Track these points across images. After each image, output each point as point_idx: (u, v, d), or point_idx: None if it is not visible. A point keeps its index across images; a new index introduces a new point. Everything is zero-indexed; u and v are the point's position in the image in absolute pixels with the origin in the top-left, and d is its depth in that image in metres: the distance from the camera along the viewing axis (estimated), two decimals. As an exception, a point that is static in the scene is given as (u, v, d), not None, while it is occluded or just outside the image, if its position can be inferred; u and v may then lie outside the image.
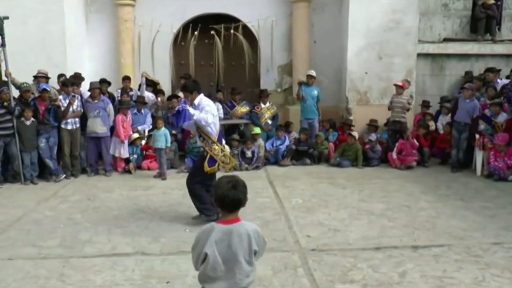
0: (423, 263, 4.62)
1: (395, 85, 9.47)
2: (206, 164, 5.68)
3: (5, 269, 4.54)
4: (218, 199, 2.71)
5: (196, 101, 5.75)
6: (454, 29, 11.74)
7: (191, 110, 5.68)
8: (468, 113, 8.71)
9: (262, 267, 4.15)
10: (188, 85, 5.99)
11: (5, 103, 7.91)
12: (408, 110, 9.41)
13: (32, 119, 8.12)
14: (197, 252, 2.73)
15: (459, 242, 5.19)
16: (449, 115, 9.69)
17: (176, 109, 5.88)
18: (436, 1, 11.61)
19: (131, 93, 9.93)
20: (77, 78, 9.14)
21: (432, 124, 10.21)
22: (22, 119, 8.03)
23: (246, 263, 2.70)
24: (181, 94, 9.97)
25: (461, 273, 4.38)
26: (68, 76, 9.14)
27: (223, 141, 6.02)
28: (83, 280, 4.30)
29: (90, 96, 8.75)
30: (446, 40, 11.57)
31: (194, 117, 5.63)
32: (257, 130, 9.62)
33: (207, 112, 5.63)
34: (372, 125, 9.85)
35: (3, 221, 6.01)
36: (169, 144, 8.69)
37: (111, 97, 9.54)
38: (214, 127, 5.73)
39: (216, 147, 5.75)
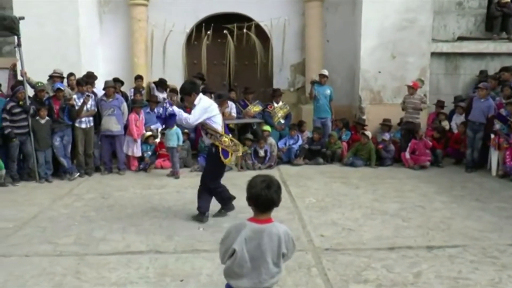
0: (438, 264, 4.58)
1: (407, 85, 9.41)
2: (222, 157, 5.73)
3: (22, 265, 4.60)
4: (251, 198, 2.70)
5: (196, 102, 5.65)
6: (468, 27, 11.64)
7: (176, 109, 5.63)
8: (483, 112, 8.62)
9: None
10: (185, 87, 5.77)
11: (21, 102, 8.01)
12: (421, 110, 9.33)
13: (47, 118, 8.21)
14: (226, 246, 2.74)
15: (474, 243, 5.14)
16: (464, 114, 9.61)
17: (165, 113, 5.72)
18: (450, 0, 11.50)
19: (143, 92, 9.99)
20: (90, 77, 9.21)
21: (446, 124, 10.13)
22: (37, 118, 8.12)
23: (273, 264, 2.71)
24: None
25: (476, 274, 4.34)
26: (80, 76, 9.22)
27: (230, 134, 6.02)
28: (98, 277, 4.33)
29: (105, 94, 8.81)
30: (461, 38, 11.47)
31: (177, 117, 5.59)
32: (266, 127, 9.60)
33: (197, 110, 5.57)
34: (386, 125, 9.79)
35: (19, 219, 6.09)
36: (181, 143, 8.72)
37: (124, 96, 9.61)
38: (217, 121, 5.71)
39: (226, 139, 5.77)
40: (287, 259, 2.82)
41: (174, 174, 8.47)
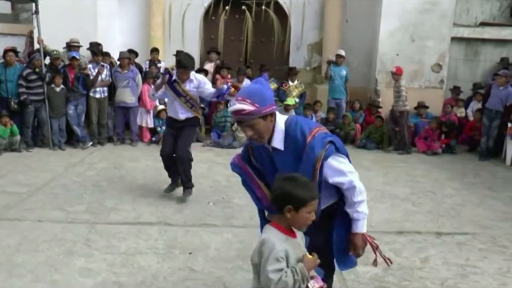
0: (446, 250, 4.56)
1: (391, 72, 9.21)
2: (203, 128, 5.94)
3: (35, 230, 4.67)
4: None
5: (192, 77, 5.59)
6: (492, 13, 11.35)
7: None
8: (501, 100, 8.49)
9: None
10: (189, 62, 5.55)
11: (37, 70, 8.05)
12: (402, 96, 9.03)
13: (62, 86, 8.24)
14: None
15: (484, 231, 5.10)
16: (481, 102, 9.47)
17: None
18: (475, -16, 11.23)
19: (159, 65, 9.97)
20: (93, 46, 9.10)
21: (462, 111, 10.00)
22: (52, 85, 8.16)
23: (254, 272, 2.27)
24: (208, 67, 9.97)
25: (485, 262, 4.32)
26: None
27: None
28: (108, 246, 4.39)
29: (119, 65, 8.80)
30: (483, 24, 11.20)
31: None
32: (290, 101, 9.45)
33: (207, 83, 5.74)
34: (400, 109, 9.67)
35: (33, 184, 6.18)
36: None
37: (138, 67, 9.59)
38: None
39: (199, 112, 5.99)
40: (261, 276, 2.15)
41: (186, 148, 8.48)
